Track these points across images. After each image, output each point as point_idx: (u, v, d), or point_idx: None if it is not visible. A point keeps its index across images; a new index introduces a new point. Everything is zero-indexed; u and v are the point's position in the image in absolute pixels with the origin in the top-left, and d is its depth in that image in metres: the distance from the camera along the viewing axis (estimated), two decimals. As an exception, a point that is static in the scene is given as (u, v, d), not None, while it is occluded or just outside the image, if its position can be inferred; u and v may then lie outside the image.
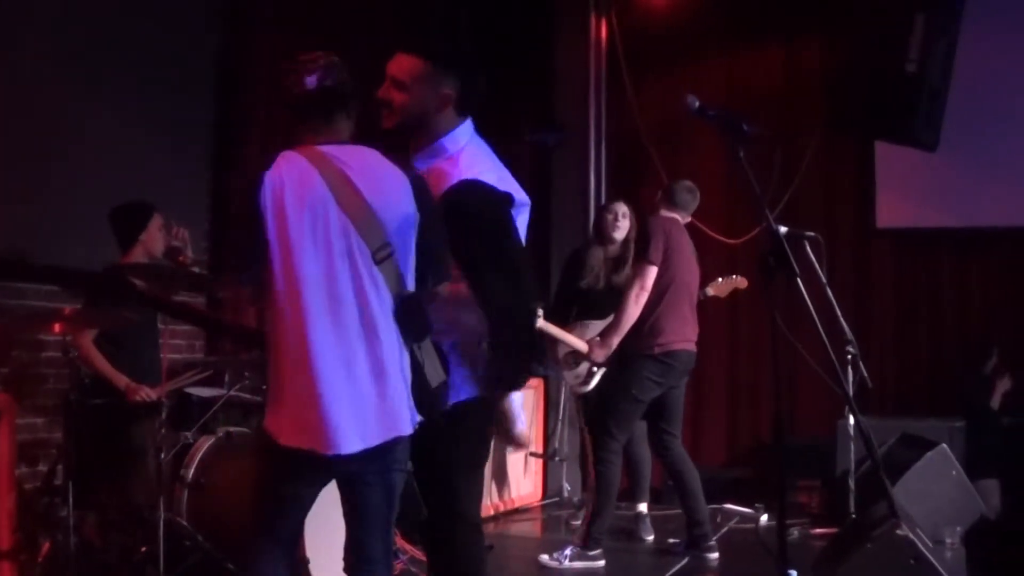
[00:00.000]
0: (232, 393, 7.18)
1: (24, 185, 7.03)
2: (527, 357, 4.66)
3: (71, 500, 5.92)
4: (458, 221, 4.51)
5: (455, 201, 4.54)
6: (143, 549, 6.23)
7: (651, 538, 8.84)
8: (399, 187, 4.36)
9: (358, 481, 4.34)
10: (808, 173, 11.05)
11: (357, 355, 4.22)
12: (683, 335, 8.14)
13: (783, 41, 11.77)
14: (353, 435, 4.18)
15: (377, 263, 4.26)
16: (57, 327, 6.12)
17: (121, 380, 6.84)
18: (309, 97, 4.39)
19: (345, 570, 4.45)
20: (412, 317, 4.32)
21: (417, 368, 4.36)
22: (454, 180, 4.57)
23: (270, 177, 4.27)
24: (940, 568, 5.18)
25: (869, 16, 10.63)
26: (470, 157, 4.70)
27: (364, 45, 10.55)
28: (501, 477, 9.90)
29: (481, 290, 4.57)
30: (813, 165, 11.15)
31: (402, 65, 4.71)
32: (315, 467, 4.26)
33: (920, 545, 5.20)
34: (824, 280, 7.52)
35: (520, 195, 4.75)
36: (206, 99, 9.12)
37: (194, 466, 6.76)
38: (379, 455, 4.24)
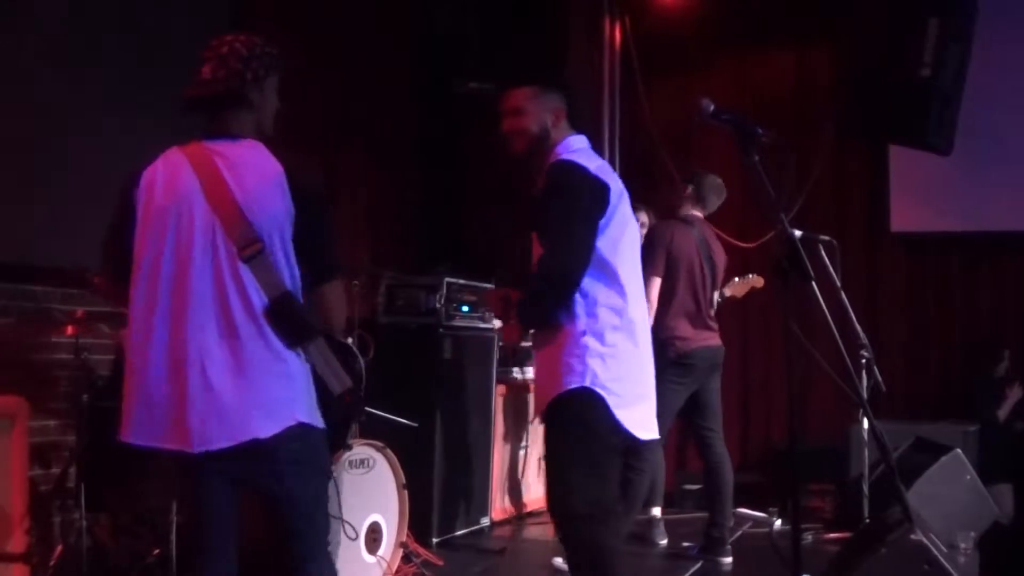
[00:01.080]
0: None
1: (24, 185, 7.02)
2: (550, 307, 4.99)
3: (83, 503, 5.93)
4: (544, 192, 5.03)
5: (547, 175, 5.06)
6: (155, 552, 6.23)
7: (664, 542, 8.82)
8: (272, 181, 4.22)
9: (248, 491, 4.32)
10: (821, 177, 11.03)
11: (212, 354, 4.12)
12: (698, 334, 8.17)
13: (796, 45, 11.77)
14: (208, 434, 4.09)
15: (244, 260, 4.15)
16: (69, 329, 6.14)
17: None
18: (202, 90, 4.36)
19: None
20: (285, 317, 4.18)
21: (313, 371, 4.31)
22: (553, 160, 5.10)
23: (146, 173, 4.29)
24: (954, 573, 5.17)
25: (882, 20, 10.60)
26: (576, 150, 5.21)
27: (367, 47, 10.64)
28: (515, 481, 9.90)
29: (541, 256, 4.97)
30: (826, 169, 11.14)
31: (514, 96, 5.30)
32: (188, 465, 4.19)
33: (934, 550, 5.18)
34: (839, 284, 7.52)
35: (617, 185, 5.17)
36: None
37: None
38: (246, 457, 4.14)
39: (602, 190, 5.04)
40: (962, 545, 7.94)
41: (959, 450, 8.49)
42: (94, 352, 6.64)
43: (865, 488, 8.15)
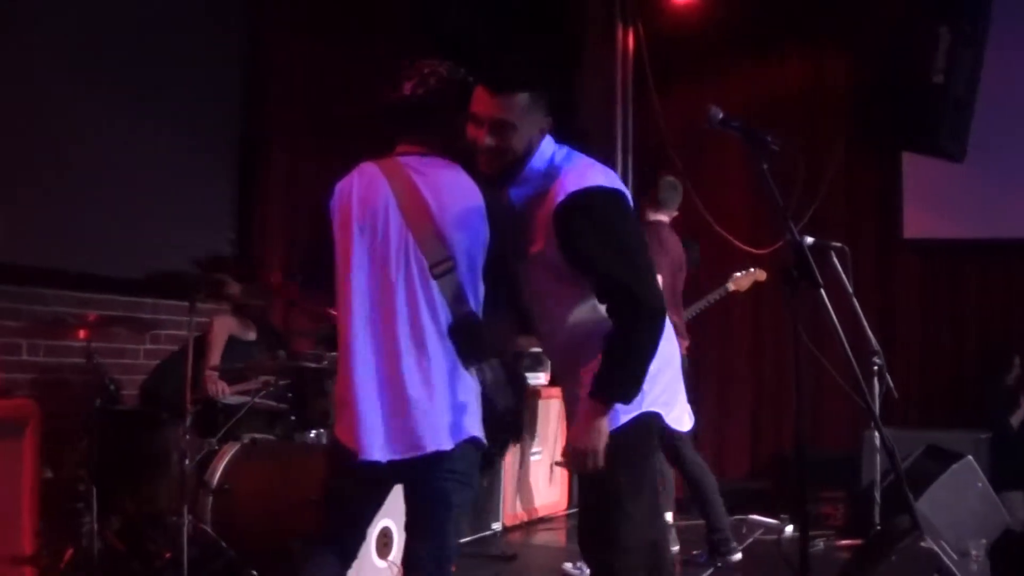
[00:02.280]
0: (257, 400, 7.19)
1: (36, 189, 7.05)
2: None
3: (95, 505, 5.94)
4: (580, 231, 4.24)
5: (573, 211, 4.25)
6: (167, 555, 6.24)
7: (676, 548, 8.81)
8: (472, 203, 4.33)
9: (407, 489, 4.42)
10: (834, 184, 11.00)
11: (401, 366, 4.24)
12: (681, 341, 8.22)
13: (809, 51, 11.78)
14: (382, 444, 4.23)
15: (434, 277, 4.24)
16: (82, 333, 6.16)
17: (214, 362, 7.04)
18: (399, 103, 4.44)
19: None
20: (467, 335, 4.27)
21: (482, 389, 4.38)
22: (562, 196, 4.27)
23: (341, 186, 4.38)
24: (964, 581, 5.16)
25: (895, 27, 10.61)
26: (569, 168, 4.42)
27: (386, 48, 10.64)
28: (525, 486, 9.89)
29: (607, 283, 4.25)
30: (839, 176, 11.12)
31: (503, 105, 4.34)
32: (355, 466, 4.27)
33: (944, 557, 5.17)
34: (851, 290, 7.51)
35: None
36: (232, 104, 9.12)
37: (219, 472, 6.77)
38: (423, 465, 4.26)
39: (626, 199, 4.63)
40: (973, 552, 7.91)
41: (971, 457, 8.46)
42: (106, 356, 6.67)
43: (876, 495, 8.12)
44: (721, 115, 4.53)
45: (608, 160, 11.63)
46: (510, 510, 9.62)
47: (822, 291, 4.38)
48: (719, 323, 9.05)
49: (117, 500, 6.42)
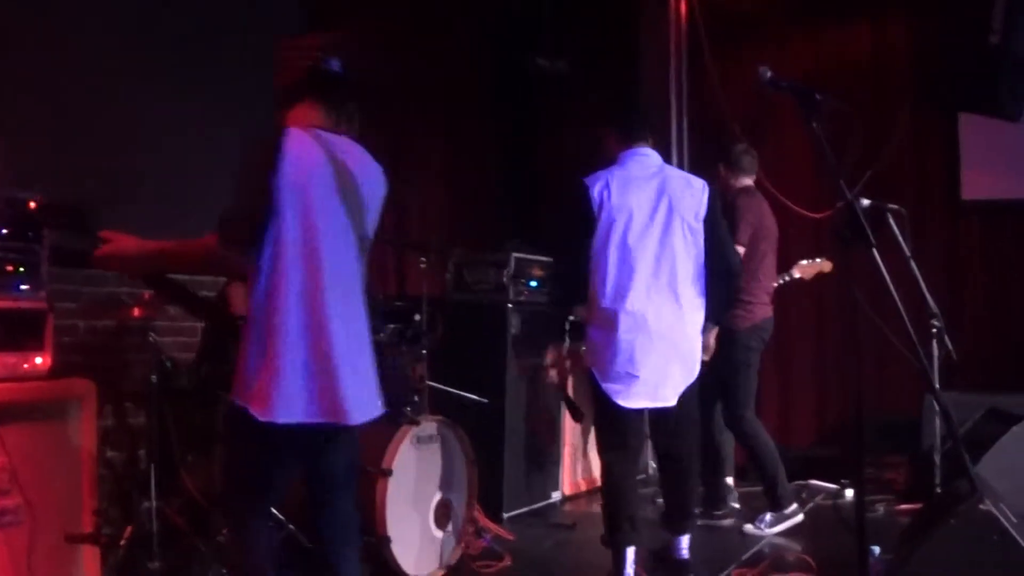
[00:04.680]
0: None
1: (96, 171, 7.06)
2: None
3: (154, 484, 5.97)
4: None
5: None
6: (224, 531, 6.27)
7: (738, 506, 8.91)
8: (381, 183, 4.61)
9: (332, 448, 4.60)
10: (894, 148, 10.91)
11: (362, 333, 4.50)
12: (767, 304, 8.28)
13: (868, 16, 11.66)
14: (357, 407, 4.43)
15: (362, 252, 4.52)
16: (136, 311, 6.18)
17: None
18: (329, 79, 4.58)
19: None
20: (374, 309, 4.71)
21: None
22: None
23: (288, 149, 4.34)
24: (1025, 543, 5.11)
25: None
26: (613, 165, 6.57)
27: (444, 20, 10.62)
28: (583, 456, 9.89)
29: None
30: (899, 140, 11.03)
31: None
32: (300, 431, 4.36)
33: (1004, 520, 5.12)
34: (908, 253, 7.45)
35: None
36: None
37: (276, 447, 6.79)
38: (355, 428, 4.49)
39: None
40: (1034, 515, 7.86)
41: (1031, 420, 8.40)
42: (163, 334, 6.69)
43: (937, 459, 8.08)
44: (770, 74, 4.51)
45: (664, 130, 11.66)
46: (570, 479, 9.62)
47: (875, 251, 4.34)
48: (782, 290, 8.98)
49: (176, 478, 6.45)
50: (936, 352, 7.86)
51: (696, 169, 10.40)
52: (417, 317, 7.59)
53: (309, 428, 4.33)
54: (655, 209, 6.41)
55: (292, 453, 4.50)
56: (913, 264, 7.50)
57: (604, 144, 6.72)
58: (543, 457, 9.12)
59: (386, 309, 8.18)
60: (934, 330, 7.84)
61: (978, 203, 11.15)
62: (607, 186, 6.41)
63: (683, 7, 12.07)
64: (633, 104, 7.87)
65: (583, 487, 9.83)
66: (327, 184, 4.39)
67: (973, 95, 10.28)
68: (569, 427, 9.54)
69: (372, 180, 4.58)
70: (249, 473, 4.54)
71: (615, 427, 6.53)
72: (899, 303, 4.62)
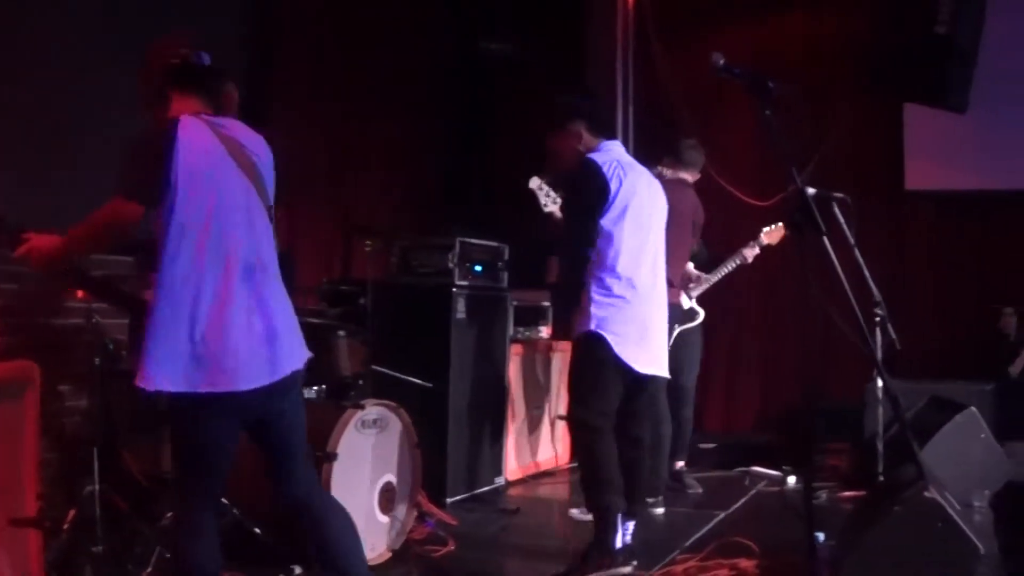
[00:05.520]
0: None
1: (48, 153, 7.00)
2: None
3: (97, 467, 5.92)
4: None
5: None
6: (168, 515, 6.23)
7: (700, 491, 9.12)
8: (268, 152, 4.84)
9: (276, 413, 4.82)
10: (839, 136, 10.97)
11: (267, 298, 4.65)
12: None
13: (812, 4, 11.72)
14: (265, 371, 4.59)
15: (271, 220, 4.76)
16: (80, 293, 6.12)
17: None
18: (200, 71, 4.80)
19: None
20: (287, 270, 4.87)
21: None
22: None
23: (182, 132, 4.51)
24: (968, 531, 5.15)
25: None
26: (599, 151, 6.76)
27: (391, 3, 10.60)
28: (527, 441, 9.89)
29: None
30: (844, 128, 11.08)
31: (549, 142, 6.91)
32: (237, 404, 4.58)
33: (948, 508, 5.16)
34: (852, 242, 7.47)
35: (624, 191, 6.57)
36: (239, 73, 9.08)
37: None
38: (291, 383, 4.75)
39: (597, 187, 6.61)
40: (976, 503, 7.93)
41: (974, 408, 8.47)
42: (106, 316, 6.63)
43: (879, 446, 8.12)
44: (723, 61, 4.51)
45: (610, 113, 11.66)
46: (512, 464, 9.62)
47: (825, 239, 4.36)
48: (728, 278, 9.05)
49: (119, 461, 6.40)
50: (879, 340, 7.90)
51: (641, 155, 10.47)
52: (362, 300, 7.57)
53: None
54: (650, 195, 6.87)
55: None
56: (857, 253, 7.53)
57: (571, 139, 6.85)
58: (487, 442, 9.11)
59: (331, 292, 8.17)
60: (877, 319, 7.87)
61: (922, 193, 11.24)
62: (620, 167, 6.70)
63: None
64: (597, 96, 8.36)
65: (527, 472, 9.83)
66: (226, 162, 4.60)
67: (920, 86, 10.34)
68: (513, 413, 9.54)
69: (263, 152, 4.80)
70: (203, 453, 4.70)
71: (612, 392, 6.67)
72: (849, 291, 4.64)
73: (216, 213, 4.50)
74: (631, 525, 6.72)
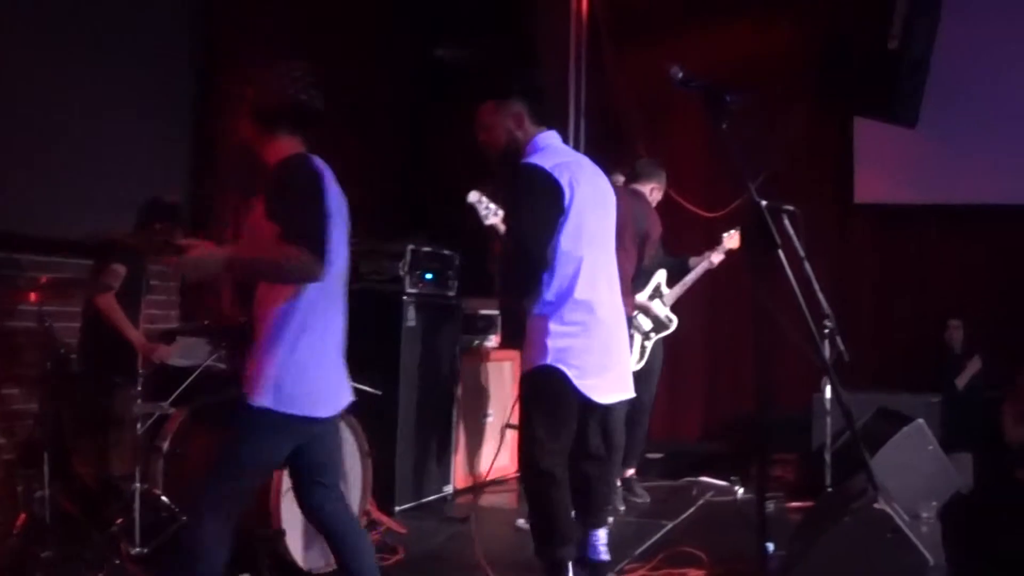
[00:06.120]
0: (209, 363, 7.11)
1: (7, 159, 6.99)
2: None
3: (47, 471, 5.90)
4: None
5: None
6: (119, 520, 6.21)
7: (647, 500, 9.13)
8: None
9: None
10: (789, 149, 11.03)
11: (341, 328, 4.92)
12: None
13: (765, 14, 11.78)
14: (337, 399, 4.83)
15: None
16: (33, 296, 6.10)
17: (138, 338, 6.92)
18: (312, 115, 4.96)
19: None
20: None
21: None
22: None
23: (323, 169, 4.85)
24: (917, 542, 5.20)
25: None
26: (541, 149, 5.99)
27: (339, 11, 10.58)
28: (476, 450, 9.89)
29: None
30: (794, 141, 11.15)
31: (479, 113, 6.08)
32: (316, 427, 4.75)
33: (897, 519, 5.21)
34: (803, 254, 7.52)
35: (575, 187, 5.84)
36: (186, 73, 9.05)
37: (170, 437, 6.71)
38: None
39: (548, 187, 5.85)
40: (924, 514, 7.99)
41: (922, 420, 8.53)
42: (59, 320, 6.60)
43: (827, 457, 8.17)
44: (681, 74, 4.53)
45: (561, 123, 11.69)
46: (461, 473, 9.62)
47: (780, 252, 4.39)
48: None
49: (70, 465, 6.38)
50: (828, 352, 7.95)
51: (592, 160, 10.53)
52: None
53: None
54: (599, 197, 6.15)
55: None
56: (807, 265, 7.57)
57: (506, 119, 6.04)
58: (436, 450, 9.11)
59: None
60: (826, 331, 7.92)
61: (870, 206, 11.32)
62: (571, 174, 5.90)
63: (584, 2, 12.13)
64: (543, 82, 7.68)
65: (475, 481, 9.83)
66: (340, 201, 4.93)
67: (871, 100, 10.42)
68: (462, 421, 9.55)
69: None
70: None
71: (567, 428, 6.06)
72: (803, 303, 4.67)
73: (337, 248, 4.76)
74: (602, 534, 6.57)
